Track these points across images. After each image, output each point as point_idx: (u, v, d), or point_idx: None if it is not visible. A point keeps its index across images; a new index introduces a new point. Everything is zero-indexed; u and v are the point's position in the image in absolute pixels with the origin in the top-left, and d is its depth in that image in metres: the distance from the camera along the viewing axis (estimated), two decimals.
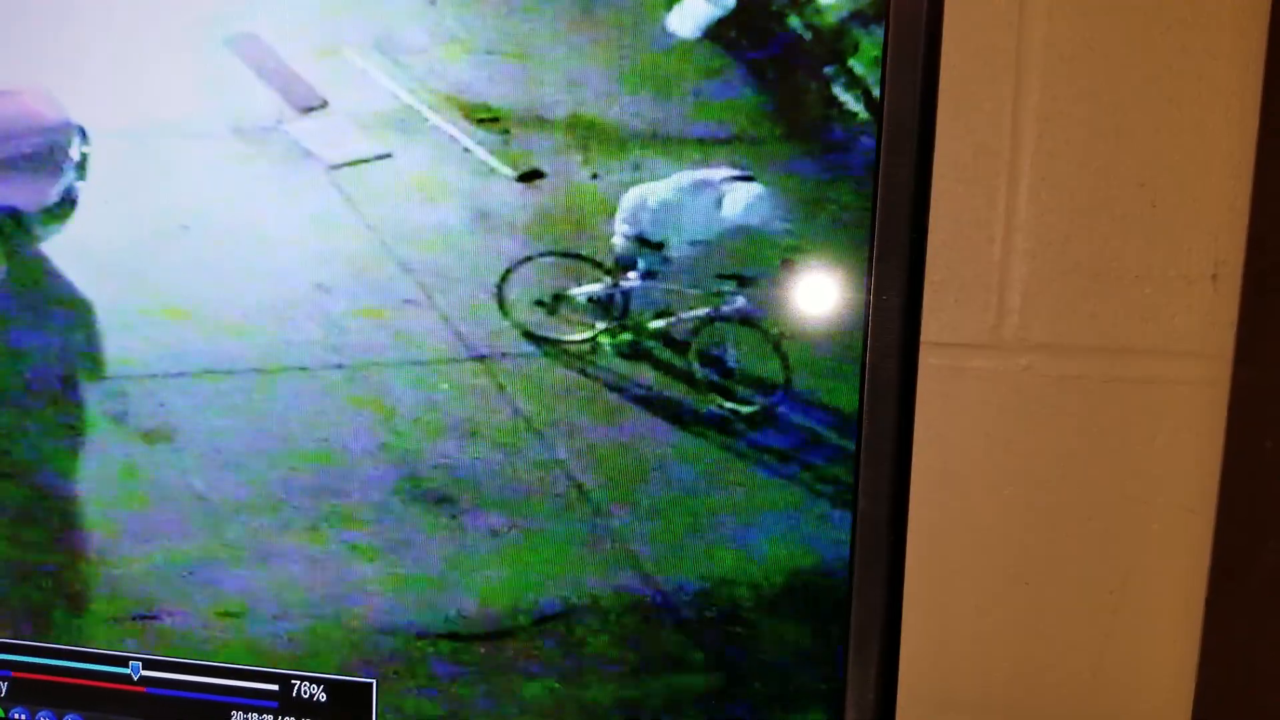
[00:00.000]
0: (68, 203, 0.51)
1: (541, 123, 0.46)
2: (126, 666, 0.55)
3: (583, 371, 0.48)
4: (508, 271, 0.48)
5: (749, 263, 0.46)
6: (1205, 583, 0.58)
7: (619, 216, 0.47)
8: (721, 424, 0.48)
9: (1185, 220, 0.56)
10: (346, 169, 0.48)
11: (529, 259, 0.48)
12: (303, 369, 0.50)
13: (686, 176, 0.46)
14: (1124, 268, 0.57)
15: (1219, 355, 0.57)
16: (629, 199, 0.47)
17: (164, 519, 0.53)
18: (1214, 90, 0.55)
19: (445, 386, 0.49)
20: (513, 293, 0.48)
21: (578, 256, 0.47)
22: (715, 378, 0.47)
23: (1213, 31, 0.55)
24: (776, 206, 0.46)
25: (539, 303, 0.48)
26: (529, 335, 0.48)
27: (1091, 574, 0.60)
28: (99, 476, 0.53)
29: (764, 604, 0.49)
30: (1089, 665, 0.61)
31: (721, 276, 0.47)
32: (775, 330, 0.47)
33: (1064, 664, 0.61)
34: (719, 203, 0.46)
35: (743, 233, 0.46)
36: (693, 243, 0.47)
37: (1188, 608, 0.59)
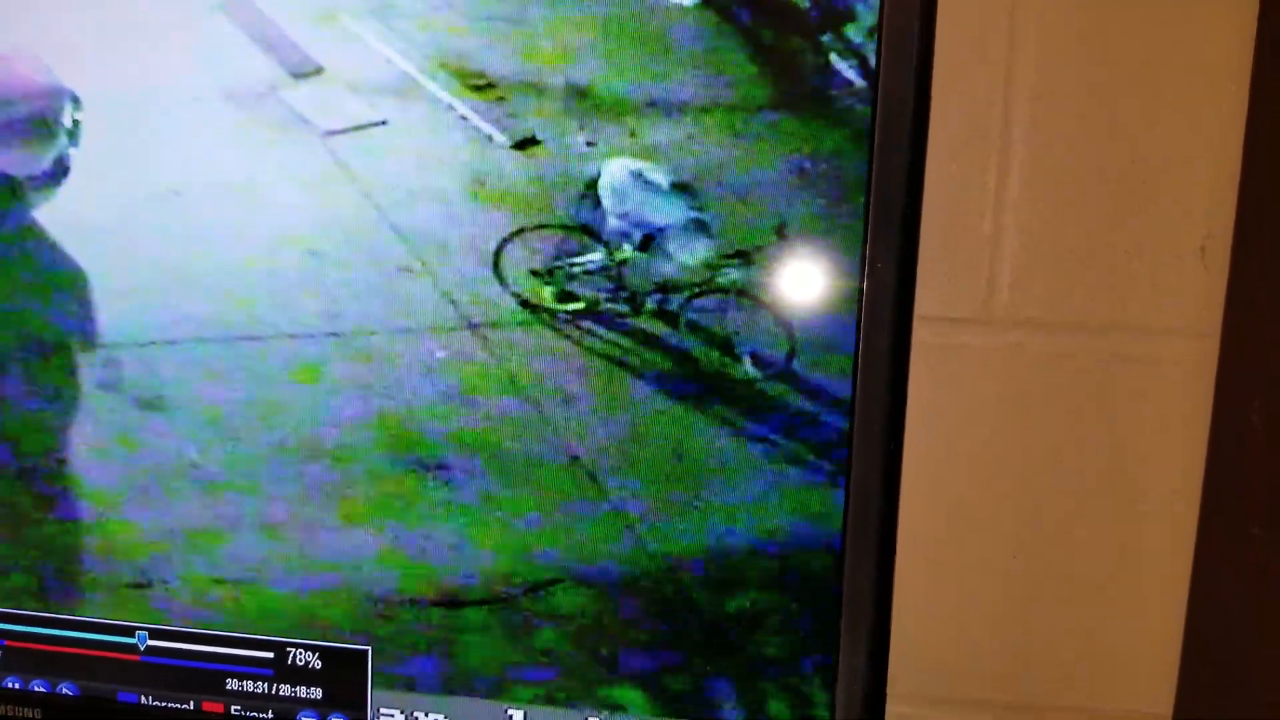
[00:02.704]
0: (60, 170, 0.50)
1: (537, 90, 0.46)
2: (133, 636, 0.55)
3: (577, 341, 0.48)
4: (504, 240, 0.48)
5: (743, 234, 0.46)
6: (1191, 559, 0.59)
7: (614, 187, 0.47)
8: (715, 396, 0.48)
9: (1176, 197, 0.57)
10: (342, 136, 0.48)
11: (524, 229, 0.48)
12: (296, 336, 0.50)
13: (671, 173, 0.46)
14: (1114, 244, 0.57)
15: (1208, 331, 0.57)
16: (624, 170, 0.47)
17: (158, 488, 0.53)
18: (1204, 67, 0.55)
19: (440, 354, 0.49)
20: (508, 261, 0.48)
21: (572, 227, 0.47)
22: (709, 349, 0.48)
23: (1204, 9, 0.55)
24: (768, 181, 0.46)
25: (534, 272, 0.48)
26: (524, 304, 0.48)
27: (1080, 550, 0.60)
28: (93, 445, 0.53)
29: (756, 580, 0.49)
30: (1078, 640, 0.61)
31: (716, 248, 0.47)
32: (768, 301, 0.47)
33: (1052, 639, 0.61)
34: (707, 186, 0.46)
35: (736, 205, 0.46)
36: (686, 215, 0.47)
37: (1176, 583, 0.59)
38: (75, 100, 0.50)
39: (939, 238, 0.58)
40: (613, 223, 0.47)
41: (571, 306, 0.48)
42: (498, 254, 0.48)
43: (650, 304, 0.48)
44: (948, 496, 0.61)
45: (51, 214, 0.51)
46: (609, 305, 0.48)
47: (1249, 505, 0.53)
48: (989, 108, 0.57)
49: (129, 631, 0.55)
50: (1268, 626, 0.50)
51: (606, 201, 0.47)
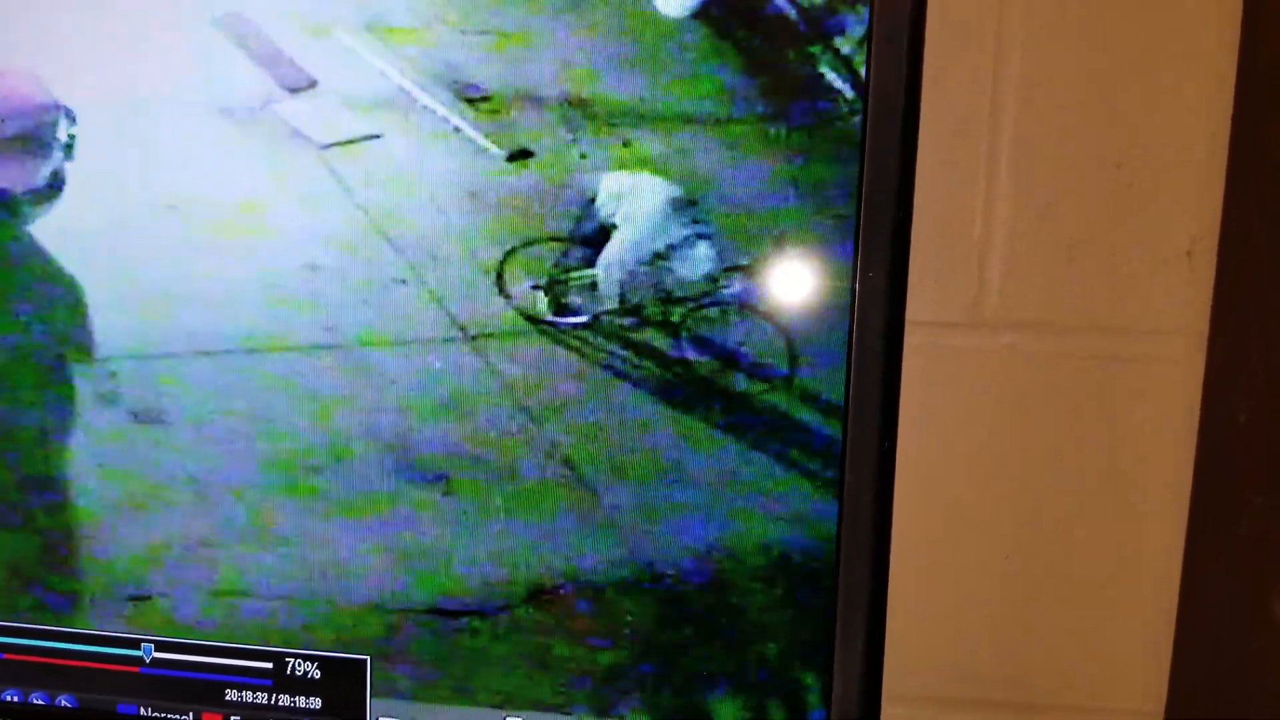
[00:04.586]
0: (56, 185, 0.50)
1: (531, 102, 0.46)
2: (137, 649, 0.55)
3: (574, 351, 0.49)
4: (507, 253, 0.48)
5: (738, 244, 0.47)
6: (1181, 557, 0.59)
7: (611, 200, 0.47)
8: (711, 404, 0.48)
9: (1162, 199, 0.57)
10: (336, 149, 0.48)
11: (527, 243, 0.48)
12: (293, 349, 0.50)
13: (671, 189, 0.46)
14: (1102, 246, 0.58)
15: (1195, 331, 0.58)
16: (620, 183, 0.47)
17: (157, 499, 0.53)
18: (1189, 70, 0.56)
19: (437, 365, 0.49)
20: (506, 274, 0.48)
21: (570, 239, 0.48)
22: (706, 359, 0.48)
23: (1189, 13, 0.55)
24: (762, 191, 0.46)
25: (535, 286, 0.48)
26: (520, 316, 0.49)
27: (1074, 550, 0.61)
28: (91, 458, 0.53)
29: (751, 584, 0.50)
30: (1072, 640, 0.62)
31: (713, 259, 0.47)
32: (764, 311, 0.47)
33: (1047, 639, 0.62)
34: (701, 199, 0.46)
35: (730, 215, 0.47)
36: (682, 227, 0.47)
37: (1170, 582, 0.60)
38: (70, 116, 0.50)
39: (929, 242, 0.58)
40: (609, 234, 0.47)
41: (571, 320, 0.48)
42: (501, 267, 0.48)
43: (644, 316, 0.48)
44: (942, 498, 0.61)
45: (48, 228, 0.51)
46: (608, 318, 0.48)
47: (1237, 504, 0.54)
48: (976, 112, 0.58)
49: (133, 644, 0.55)
50: (1257, 624, 0.51)
51: (604, 214, 0.47)
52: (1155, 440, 0.59)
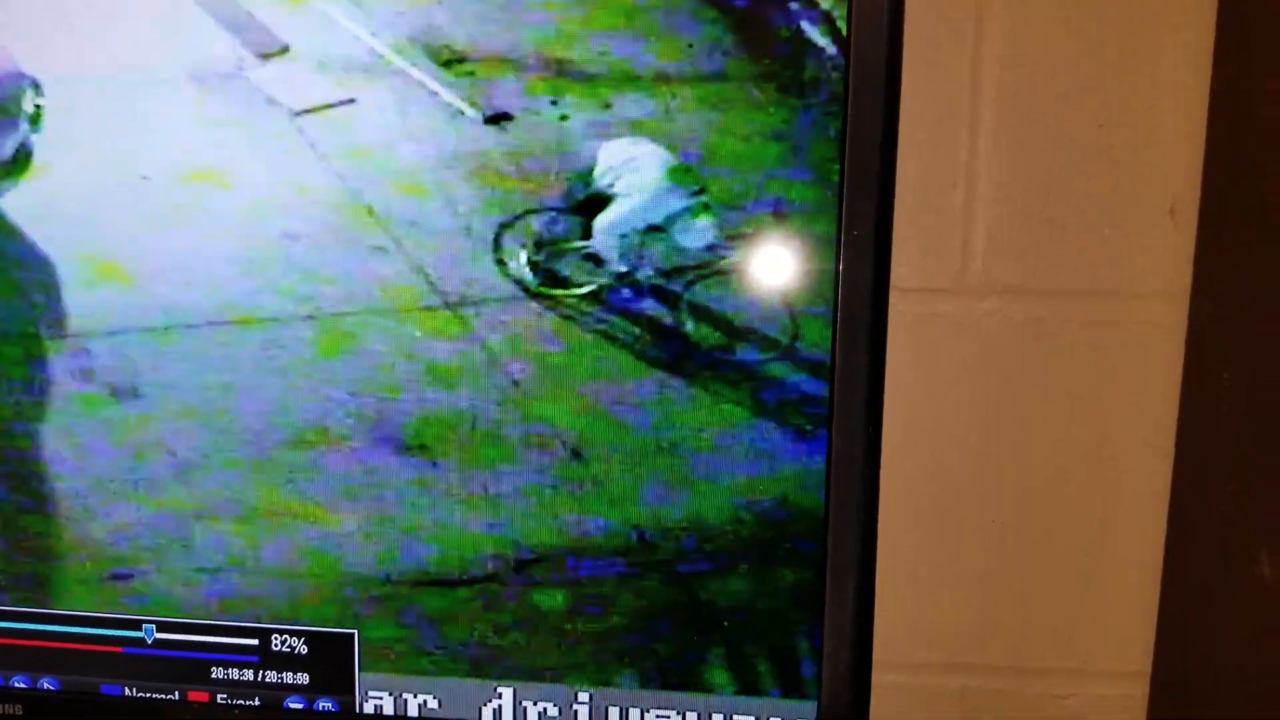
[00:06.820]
0: (23, 157, 0.50)
1: (508, 64, 0.46)
2: (139, 629, 0.54)
3: (558, 316, 0.48)
4: (487, 220, 0.47)
5: (724, 209, 0.46)
6: (1166, 518, 0.60)
7: (591, 162, 0.47)
8: (702, 371, 0.48)
9: (1144, 162, 0.57)
10: (311, 115, 0.47)
11: (504, 209, 0.47)
12: (272, 319, 0.49)
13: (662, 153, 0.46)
14: (1085, 210, 0.58)
15: (1179, 293, 0.58)
16: (602, 147, 0.46)
17: (136, 477, 0.52)
18: (1169, 29, 0.56)
19: (418, 334, 0.49)
20: (486, 240, 0.48)
21: (546, 204, 0.47)
22: (698, 325, 0.48)
23: None
24: (747, 153, 0.46)
25: (512, 250, 0.48)
26: (502, 281, 0.48)
27: (1058, 513, 0.61)
28: (68, 436, 0.52)
29: (741, 551, 0.50)
30: (1058, 602, 0.62)
31: (701, 225, 0.47)
32: (752, 276, 0.47)
33: (1032, 602, 0.62)
34: (691, 165, 0.46)
35: (716, 178, 0.46)
36: (667, 191, 0.47)
37: (1153, 544, 0.60)
38: (36, 86, 0.49)
39: (912, 209, 0.58)
40: (592, 198, 0.47)
41: (553, 287, 0.48)
42: (483, 233, 0.48)
43: (630, 282, 0.48)
44: (927, 464, 0.61)
45: (16, 202, 0.50)
46: (591, 286, 0.48)
47: (1221, 464, 0.54)
48: (957, 77, 0.57)
49: (126, 624, 0.54)
50: (1242, 583, 0.51)
51: (587, 176, 0.47)
52: (1140, 401, 0.59)
